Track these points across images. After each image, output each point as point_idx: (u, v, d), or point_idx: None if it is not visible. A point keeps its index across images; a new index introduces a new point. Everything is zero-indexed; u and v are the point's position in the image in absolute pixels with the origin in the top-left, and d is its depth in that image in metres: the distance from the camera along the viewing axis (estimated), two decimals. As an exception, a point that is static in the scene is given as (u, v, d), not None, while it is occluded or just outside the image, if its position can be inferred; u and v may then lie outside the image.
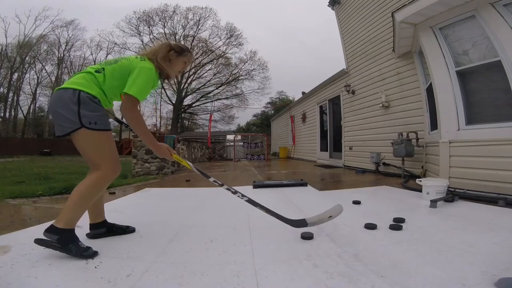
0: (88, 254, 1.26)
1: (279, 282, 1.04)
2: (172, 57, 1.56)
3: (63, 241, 1.23)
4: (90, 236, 1.54)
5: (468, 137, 2.80)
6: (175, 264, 1.20)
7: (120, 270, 1.13)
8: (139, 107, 1.49)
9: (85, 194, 1.31)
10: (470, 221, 1.81)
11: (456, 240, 1.44)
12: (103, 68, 1.41)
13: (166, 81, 1.65)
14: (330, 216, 1.37)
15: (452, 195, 2.45)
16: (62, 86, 1.35)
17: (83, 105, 1.29)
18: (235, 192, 1.58)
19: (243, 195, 1.56)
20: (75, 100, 1.28)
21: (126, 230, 1.62)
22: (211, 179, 1.59)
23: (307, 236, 1.47)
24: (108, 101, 1.47)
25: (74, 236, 1.28)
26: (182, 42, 23.26)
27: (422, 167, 4.06)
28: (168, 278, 1.07)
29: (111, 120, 1.68)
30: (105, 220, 1.58)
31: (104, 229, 1.55)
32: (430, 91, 3.61)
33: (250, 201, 1.55)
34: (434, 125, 3.64)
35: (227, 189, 1.58)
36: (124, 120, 1.57)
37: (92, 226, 1.54)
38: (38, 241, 1.23)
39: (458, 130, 2.90)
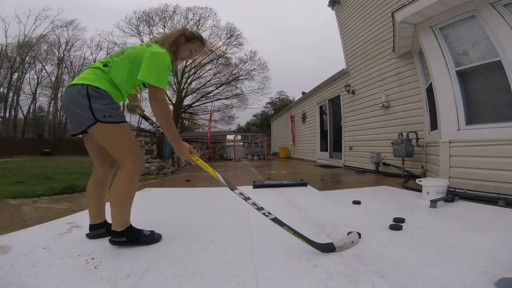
0: (156, 238, 1.45)
1: (279, 282, 1.04)
2: (181, 42, 1.52)
3: (132, 239, 1.37)
4: (89, 236, 1.53)
5: (468, 137, 2.80)
6: (175, 264, 1.20)
7: (120, 270, 1.13)
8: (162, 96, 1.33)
9: (123, 194, 1.35)
10: (470, 221, 1.82)
11: (456, 240, 1.44)
12: (109, 62, 1.36)
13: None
14: (352, 242, 1.38)
15: (452, 195, 2.45)
16: (71, 83, 1.32)
17: (93, 99, 1.25)
18: (260, 209, 1.39)
19: (269, 213, 1.39)
20: (84, 94, 1.25)
21: None
22: (237, 191, 1.41)
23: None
24: (122, 95, 1.42)
25: (136, 230, 1.41)
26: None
27: (422, 167, 4.06)
28: (168, 278, 1.07)
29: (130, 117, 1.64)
30: (105, 221, 1.57)
31: (104, 229, 1.53)
32: (430, 91, 3.61)
33: (276, 220, 1.37)
34: (434, 125, 3.64)
35: (253, 204, 1.40)
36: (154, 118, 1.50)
37: (92, 227, 1.53)
38: (112, 242, 1.36)
39: (458, 130, 2.90)
